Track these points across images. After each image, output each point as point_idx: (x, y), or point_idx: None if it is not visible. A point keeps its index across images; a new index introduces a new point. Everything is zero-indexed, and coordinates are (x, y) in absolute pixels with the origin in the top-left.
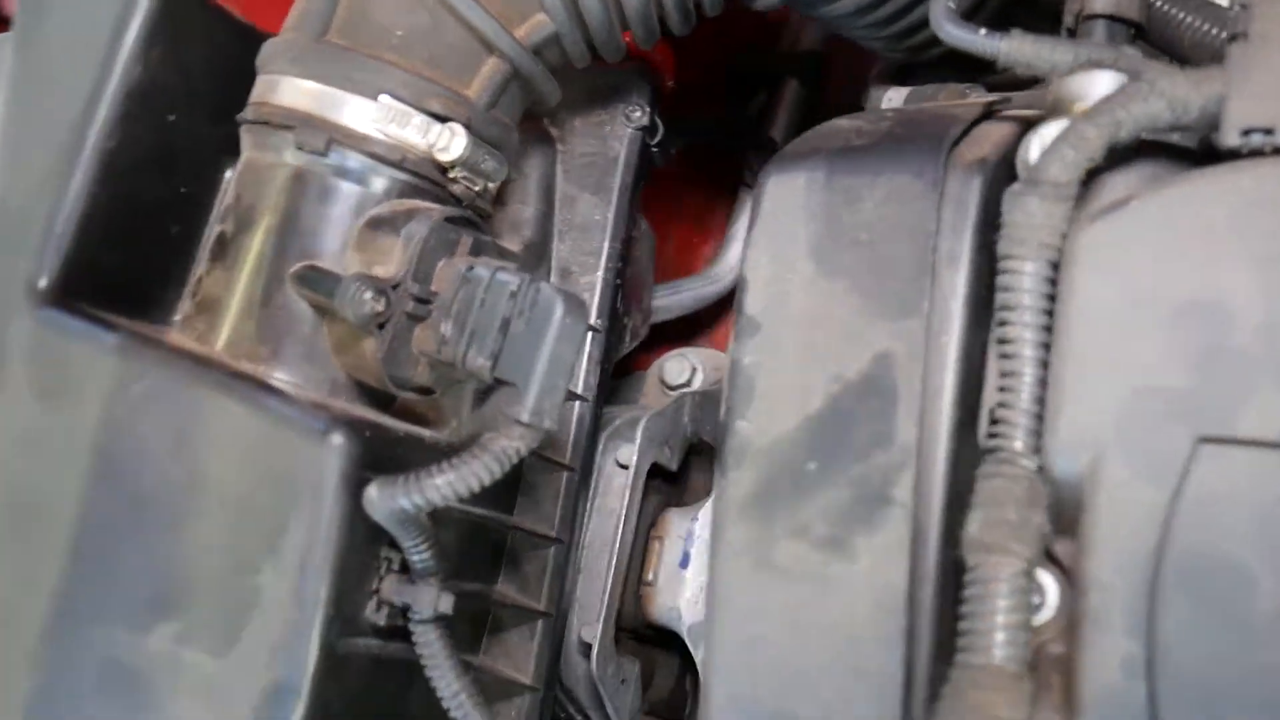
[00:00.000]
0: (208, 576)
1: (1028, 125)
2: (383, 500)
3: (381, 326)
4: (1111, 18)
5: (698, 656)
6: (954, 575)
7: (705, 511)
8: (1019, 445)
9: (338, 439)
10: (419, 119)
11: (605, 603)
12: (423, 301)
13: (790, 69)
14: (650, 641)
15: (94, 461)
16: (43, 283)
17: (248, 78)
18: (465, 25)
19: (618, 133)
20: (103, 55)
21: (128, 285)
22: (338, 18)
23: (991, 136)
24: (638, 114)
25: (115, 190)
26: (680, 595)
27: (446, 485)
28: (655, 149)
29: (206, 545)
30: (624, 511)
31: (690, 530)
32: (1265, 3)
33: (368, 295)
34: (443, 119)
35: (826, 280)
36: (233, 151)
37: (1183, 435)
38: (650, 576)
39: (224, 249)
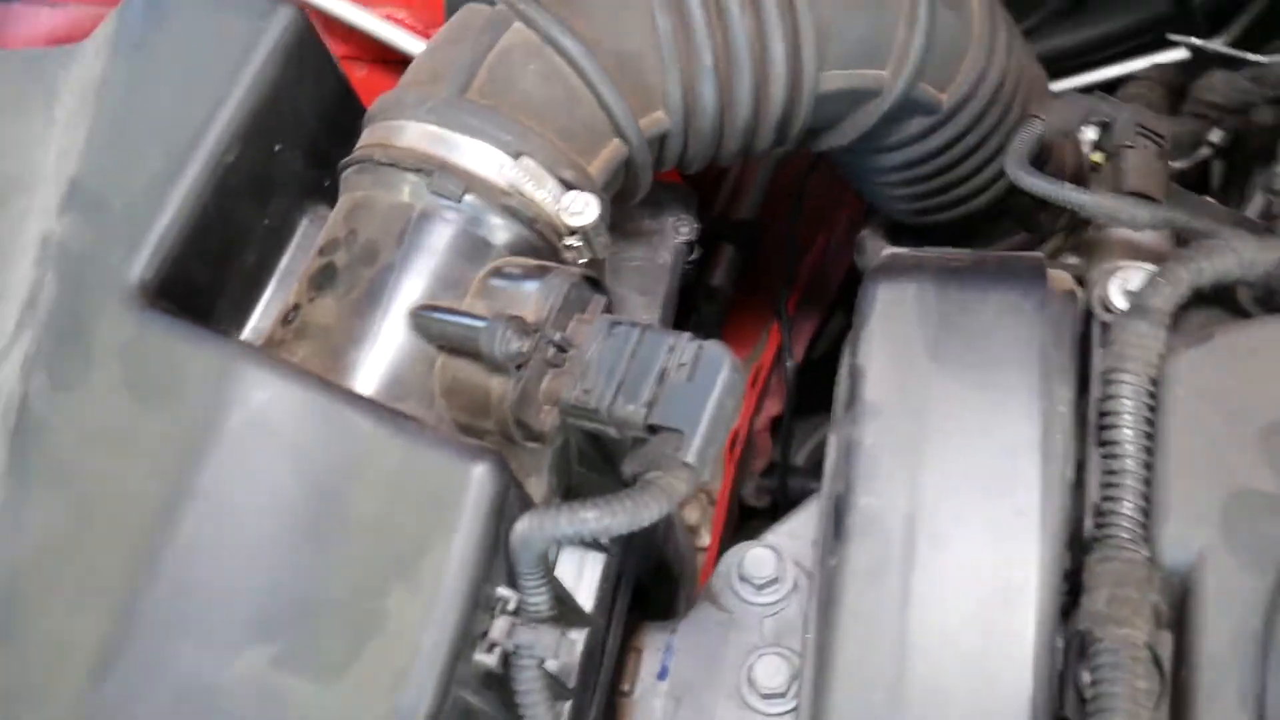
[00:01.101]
0: (320, 599)
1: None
2: (535, 530)
3: (518, 369)
4: (1140, 194)
5: None
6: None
7: (688, 623)
8: (1127, 536)
9: (486, 468)
10: (552, 183)
11: None
12: (561, 350)
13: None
14: None
15: (191, 469)
16: (141, 283)
17: (342, 132)
18: (601, 105)
19: (666, 242)
20: (229, 73)
21: (207, 302)
22: (480, 78)
23: (1058, 277)
24: (685, 229)
25: (219, 206)
26: (656, 709)
27: (609, 518)
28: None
29: (322, 567)
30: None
31: (669, 643)
32: None
33: (514, 335)
34: (570, 187)
35: (944, 376)
36: (316, 195)
37: None
38: (627, 687)
39: (333, 280)
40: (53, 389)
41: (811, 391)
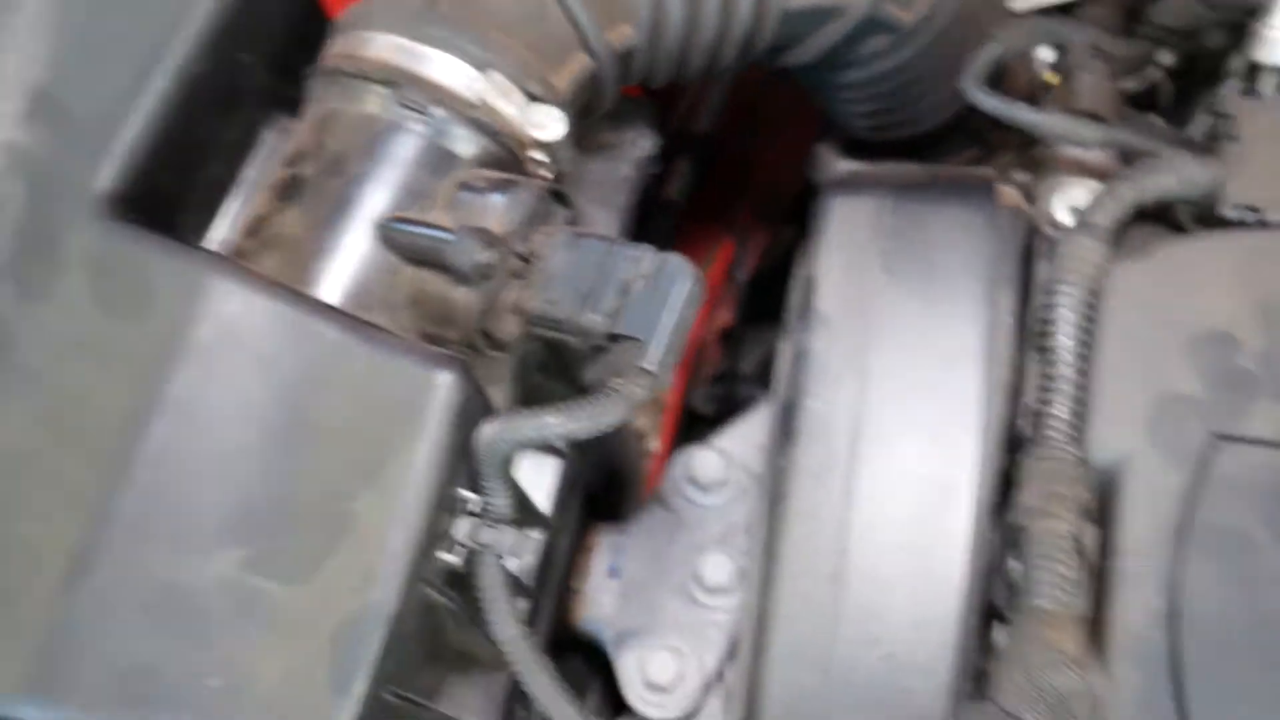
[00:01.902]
0: (289, 503)
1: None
2: (499, 434)
3: (483, 280)
4: (1091, 114)
5: (618, 663)
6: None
7: (638, 524)
8: (1060, 436)
9: (450, 374)
10: (519, 96)
11: None
12: (525, 261)
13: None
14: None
15: (161, 379)
16: (108, 194)
17: (307, 42)
18: (569, 18)
19: (627, 156)
20: None
21: (171, 213)
22: None
23: (1007, 193)
24: (646, 143)
25: (184, 116)
26: (606, 605)
27: (571, 422)
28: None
29: (291, 472)
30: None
31: (619, 543)
32: (1247, 116)
33: (480, 247)
34: (537, 101)
35: (895, 287)
36: (280, 105)
37: (1202, 432)
38: (578, 585)
39: (300, 191)
40: (19, 299)
41: (761, 302)
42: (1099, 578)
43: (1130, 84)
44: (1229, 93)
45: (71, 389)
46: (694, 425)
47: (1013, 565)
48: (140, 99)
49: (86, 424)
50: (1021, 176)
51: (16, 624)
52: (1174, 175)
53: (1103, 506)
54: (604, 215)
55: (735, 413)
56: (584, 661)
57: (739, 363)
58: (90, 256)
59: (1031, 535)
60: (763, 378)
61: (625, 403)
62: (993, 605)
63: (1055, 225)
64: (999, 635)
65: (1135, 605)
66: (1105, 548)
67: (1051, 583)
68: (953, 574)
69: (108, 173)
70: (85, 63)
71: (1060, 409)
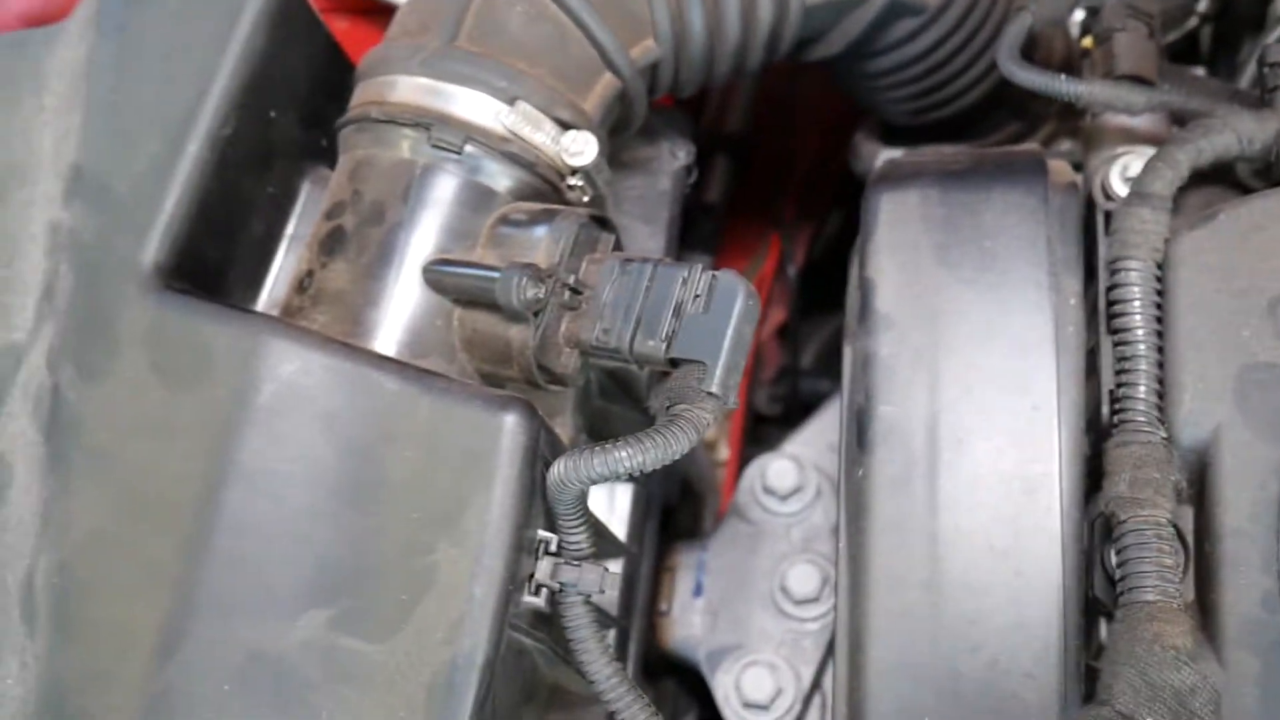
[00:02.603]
0: (369, 560)
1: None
2: (571, 473)
3: (536, 315)
4: (1134, 77)
5: (713, 683)
6: (1091, 535)
7: (718, 539)
8: (1143, 419)
9: (516, 416)
10: (549, 125)
11: None
12: (576, 292)
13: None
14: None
15: (228, 446)
16: (155, 266)
17: (334, 90)
18: (591, 40)
19: (665, 169)
20: (217, 45)
21: (220, 277)
22: (467, 25)
23: (1058, 169)
24: (682, 153)
25: (221, 180)
26: (695, 625)
27: (641, 454)
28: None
29: (367, 529)
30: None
31: (701, 560)
32: None
33: (529, 283)
34: (568, 127)
35: (954, 281)
36: (315, 156)
37: None
38: (665, 607)
39: (343, 243)
40: (82, 380)
41: (814, 293)
42: (1201, 563)
43: (1171, 35)
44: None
45: (142, 465)
46: (760, 427)
47: (1110, 558)
48: (176, 167)
49: (161, 499)
50: (1067, 145)
51: (112, 707)
52: (1231, 133)
53: (1197, 488)
54: (647, 230)
55: (800, 410)
56: (678, 684)
57: (798, 358)
58: (145, 330)
59: (1127, 526)
60: (824, 371)
61: (693, 429)
62: (1094, 600)
63: (1110, 197)
64: (1104, 631)
65: (1244, 588)
66: (1204, 531)
67: (1154, 573)
68: (1049, 573)
69: (152, 244)
70: (118, 136)
71: (1141, 390)
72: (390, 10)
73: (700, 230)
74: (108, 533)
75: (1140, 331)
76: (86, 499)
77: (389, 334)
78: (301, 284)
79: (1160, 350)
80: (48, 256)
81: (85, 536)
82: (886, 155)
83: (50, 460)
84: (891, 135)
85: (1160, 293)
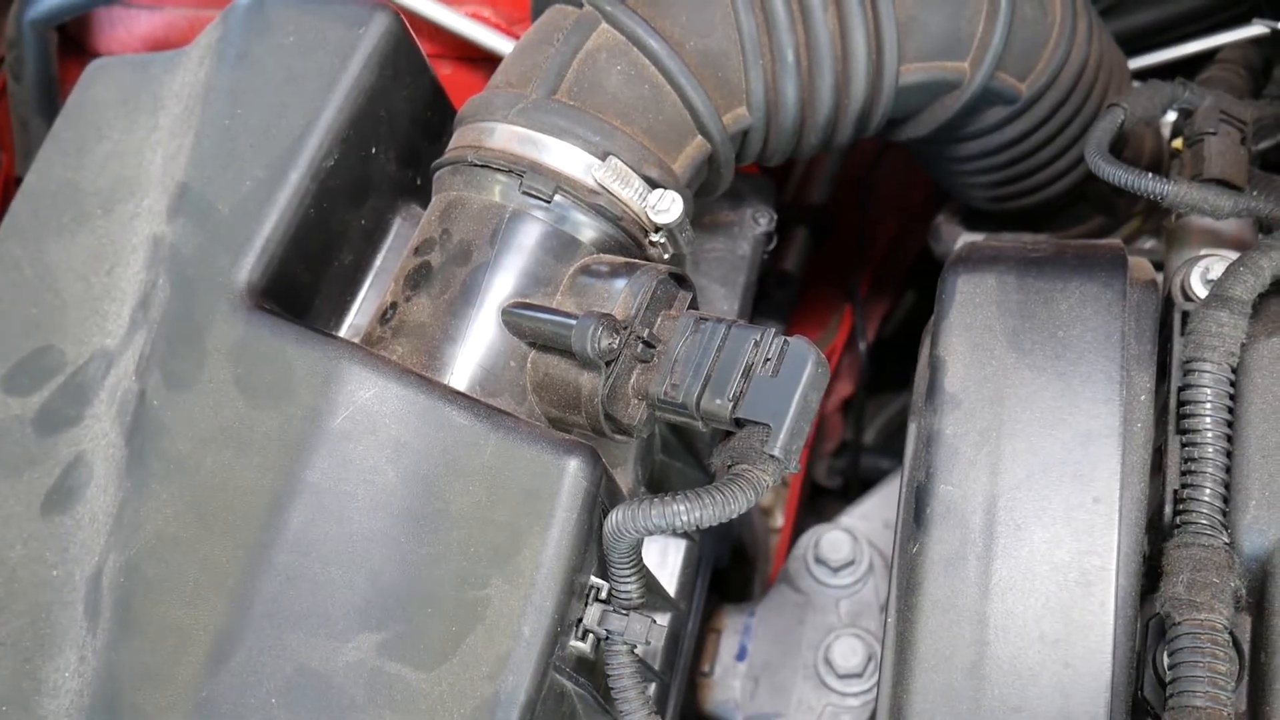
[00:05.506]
0: (423, 589)
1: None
2: (628, 522)
3: (608, 365)
4: (1222, 182)
5: None
6: (1144, 635)
7: (765, 605)
8: (1206, 522)
9: (580, 462)
10: (638, 182)
11: None
12: (649, 346)
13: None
14: None
15: (299, 465)
16: (249, 286)
17: (434, 131)
18: (685, 103)
19: (746, 234)
20: (329, 79)
21: (308, 301)
22: (567, 80)
23: (1139, 265)
24: (764, 220)
25: (319, 209)
26: (736, 689)
27: (699, 510)
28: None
29: (424, 558)
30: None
31: (747, 624)
32: None
33: (604, 333)
34: (655, 186)
35: (1025, 366)
36: (409, 194)
37: None
38: (707, 668)
39: (428, 279)
40: (167, 388)
41: (881, 371)
42: (1256, 673)
43: (1264, 144)
44: None
45: (215, 475)
46: (817, 498)
47: (1162, 659)
48: (277, 193)
49: (229, 509)
50: (1150, 244)
51: (166, 704)
52: None
53: (1257, 596)
54: (723, 293)
55: (858, 485)
56: None
57: (861, 434)
58: (232, 346)
59: (1181, 628)
60: (886, 449)
61: (752, 490)
62: (1143, 700)
63: (1190, 297)
64: None
65: None
66: (1261, 641)
67: (1205, 679)
68: (1098, 668)
69: (247, 265)
70: (226, 159)
71: (1205, 493)
72: (494, 60)
73: (775, 299)
74: (175, 537)
75: (1209, 434)
76: (159, 503)
77: (464, 370)
78: (384, 315)
79: (1228, 455)
80: (147, 268)
81: (153, 539)
82: (967, 239)
83: (129, 463)
84: (973, 220)
85: (1233, 397)
